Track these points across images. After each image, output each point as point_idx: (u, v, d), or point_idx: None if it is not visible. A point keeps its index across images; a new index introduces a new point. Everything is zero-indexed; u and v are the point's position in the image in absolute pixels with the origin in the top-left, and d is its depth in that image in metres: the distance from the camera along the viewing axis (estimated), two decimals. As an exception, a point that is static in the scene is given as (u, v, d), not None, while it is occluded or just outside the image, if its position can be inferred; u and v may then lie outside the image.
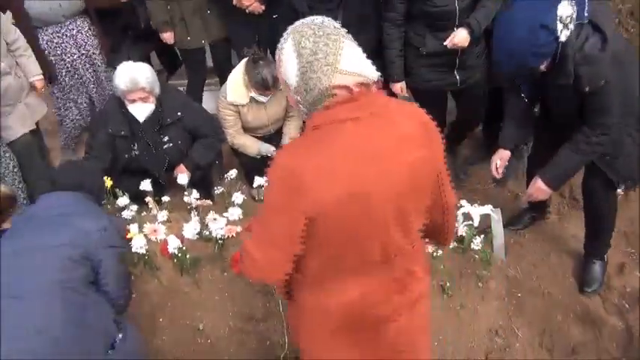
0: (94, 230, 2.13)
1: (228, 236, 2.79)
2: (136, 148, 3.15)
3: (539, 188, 2.59)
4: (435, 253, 2.58)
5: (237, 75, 3.32)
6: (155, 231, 2.86)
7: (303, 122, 1.60)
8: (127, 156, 3.16)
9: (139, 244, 2.56)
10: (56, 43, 3.62)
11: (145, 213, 2.99)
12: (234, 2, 3.42)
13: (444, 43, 2.96)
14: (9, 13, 3.33)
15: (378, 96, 1.42)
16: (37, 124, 3.65)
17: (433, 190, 1.51)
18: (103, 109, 3.24)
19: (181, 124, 3.18)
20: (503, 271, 2.82)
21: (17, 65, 3.39)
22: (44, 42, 3.60)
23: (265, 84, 3.21)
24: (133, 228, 2.66)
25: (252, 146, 3.47)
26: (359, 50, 1.42)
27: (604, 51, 2.20)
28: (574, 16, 2.17)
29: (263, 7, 3.44)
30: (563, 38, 2.18)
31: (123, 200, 2.94)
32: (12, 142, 3.36)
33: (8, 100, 3.30)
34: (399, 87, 3.22)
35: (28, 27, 3.48)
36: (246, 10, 3.44)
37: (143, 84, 3.00)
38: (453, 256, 2.71)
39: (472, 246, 2.64)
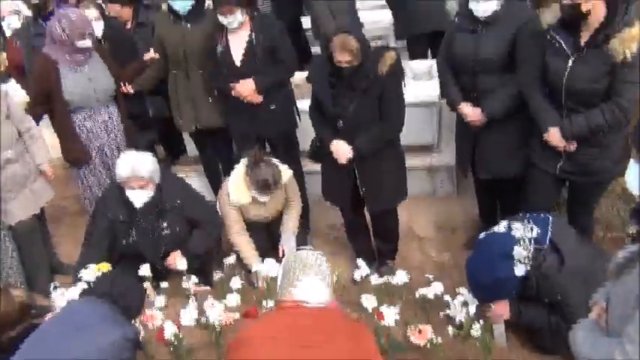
0: (99, 346, 2.12)
1: (226, 323, 2.78)
2: (133, 234, 3.18)
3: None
4: (434, 341, 2.54)
5: (239, 175, 3.37)
6: (152, 317, 2.85)
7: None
8: (124, 242, 3.18)
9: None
10: (88, 128, 3.71)
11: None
12: (233, 93, 3.52)
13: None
14: (22, 101, 3.47)
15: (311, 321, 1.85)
16: (42, 209, 3.71)
17: None
18: (103, 195, 3.30)
19: (180, 211, 3.22)
20: (505, 357, 2.75)
21: (26, 151, 3.49)
22: (76, 126, 3.69)
23: (266, 186, 3.26)
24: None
25: (250, 259, 3.40)
26: (321, 284, 1.90)
27: (560, 271, 2.47)
28: (530, 254, 2.46)
29: (261, 98, 3.53)
30: (519, 274, 2.46)
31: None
32: (14, 225, 3.39)
33: (12, 187, 3.36)
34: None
35: (65, 111, 3.63)
36: (244, 101, 3.53)
37: (143, 174, 3.07)
38: (453, 343, 2.66)
39: (472, 332, 2.60)
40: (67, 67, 3.54)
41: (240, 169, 3.39)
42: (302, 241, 3.69)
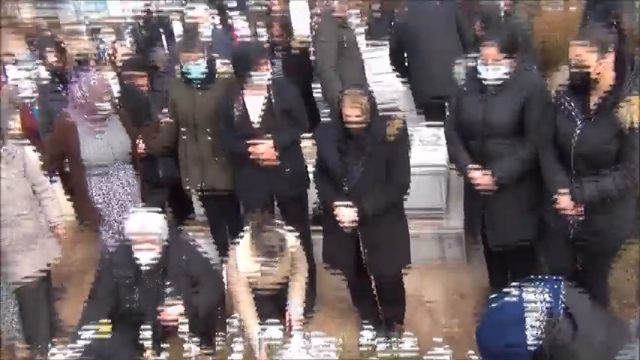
0: None
1: (229, 392, 2.69)
2: (137, 292, 3.14)
3: None
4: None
5: (245, 244, 3.26)
6: (151, 362, 2.77)
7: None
8: (127, 298, 3.14)
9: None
10: (105, 189, 3.73)
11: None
12: (251, 156, 3.51)
13: None
14: (35, 158, 3.53)
15: None
16: (48, 267, 3.70)
17: None
18: (110, 253, 3.29)
19: (185, 270, 3.19)
20: None
21: (40, 209, 3.52)
22: (94, 186, 3.71)
23: (272, 252, 3.16)
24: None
25: (251, 328, 3.21)
26: None
27: (573, 339, 2.32)
28: (543, 322, 2.30)
29: (278, 162, 3.54)
30: (532, 341, 2.30)
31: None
32: (18, 283, 3.37)
33: (22, 242, 3.38)
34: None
35: (81, 173, 3.68)
36: (257, 163, 3.54)
37: (152, 231, 3.08)
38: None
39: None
40: (86, 130, 3.62)
41: (246, 238, 3.29)
42: (309, 306, 3.61)
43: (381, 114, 3.11)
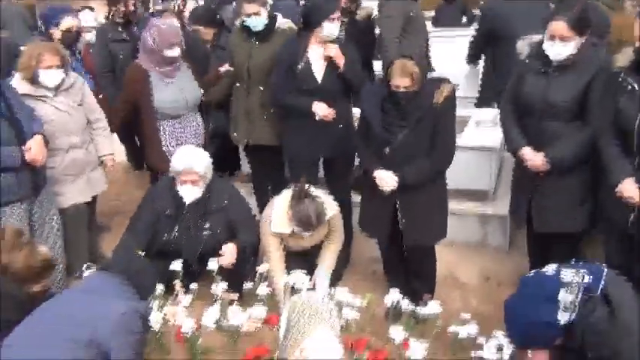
0: (111, 314, 2.11)
1: (247, 330, 2.71)
2: (176, 229, 3.20)
3: None
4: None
5: (282, 207, 3.26)
6: (175, 314, 2.82)
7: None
8: (165, 236, 3.21)
9: (154, 320, 2.51)
10: (177, 135, 3.76)
11: (170, 299, 2.96)
12: (318, 117, 3.47)
13: None
14: (88, 91, 3.63)
15: None
16: (94, 199, 3.84)
17: None
18: (154, 186, 3.38)
19: (224, 213, 3.23)
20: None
21: (91, 140, 3.65)
22: (166, 134, 3.74)
23: (308, 224, 3.15)
24: (154, 305, 2.63)
25: (278, 281, 3.19)
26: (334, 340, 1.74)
27: (611, 324, 2.14)
28: (578, 299, 2.16)
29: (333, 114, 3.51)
30: (563, 320, 2.15)
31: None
32: (65, 208, 3.50)
33: (71, 171, 3.51)
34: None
35: (153, 119, 3.69)
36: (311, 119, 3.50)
37: (198, 169, 3.13)
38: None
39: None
40: (158, 77, 3.65)
41: (285, 198, 3.28)
42: (338, 274, 3.58)
43: (430, 79, 3.03)
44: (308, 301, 1.80)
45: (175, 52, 3.64)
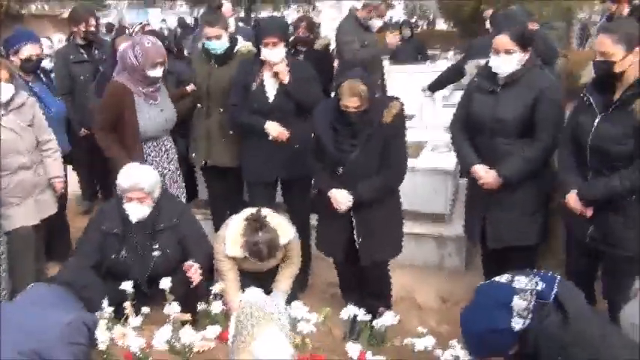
0: (55, 324, 2.02)
1: (200, 350, 2.62)
2: (124, 249, 3.10)
3: None
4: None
5: (236, 230, 3.17)
6: (124, 335, 2.70)
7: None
8: (113, 256, 3.10)
9: (99, 339, 2.40)
10: (152, 157, 3.61)
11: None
12: (271, 137, 3.49)
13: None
14: (39, 112, 3.54)
15: None
16: (43, 223, 3.70)
17: None
18: (101, 207, 3.28)
19: (175, 232, 3.15)
20: None
21: (42, 163, 3.55)
22: (149, 153, 3.60)
23: (260, 256, 3.08)
24: (100, 324, 2.52)
25: (233, 299, 3.11)
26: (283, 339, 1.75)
27: (564, 331, 2.20)
28: (531, 305, 2.21)
29: (287, 135, 3.52)
30: (517, 327, 2.19)
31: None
32: (11, 231, 3.36)
33: (18, 192, 3.39)
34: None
35: (137, 139, 3.51)
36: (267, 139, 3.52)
37: (144, 186, 3.06)
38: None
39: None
40: (142, 98, 3.48)
41: (239, 221, 3.18)
42: (292, 297, 3.51)
43: (378, 97, 3.08)
44: (257, 304, 1.77)
45: (159, 72, 3.47)
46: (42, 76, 4.11)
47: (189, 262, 3.05)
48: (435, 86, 5.36)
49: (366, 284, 3.37)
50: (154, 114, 3.54)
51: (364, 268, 3.29)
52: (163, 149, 3.68)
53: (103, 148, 3.54)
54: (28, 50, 3.90)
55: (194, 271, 3.04)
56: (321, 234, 3.36)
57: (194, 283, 3.02)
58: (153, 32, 4.89)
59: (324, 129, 3.09)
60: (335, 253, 3.31)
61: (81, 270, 2.43)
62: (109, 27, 12.38)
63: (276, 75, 3.50)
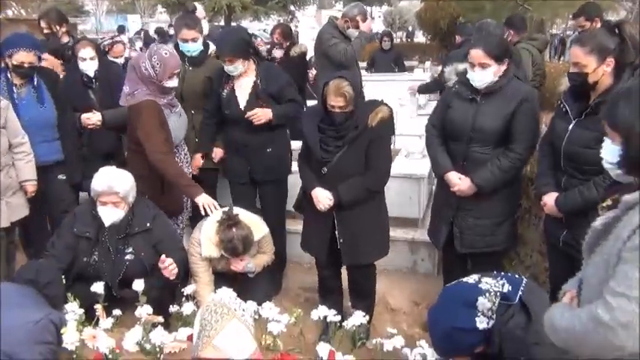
0: (23, 324, 2.00)
1: (171, 352, 2.60)
2: (96, 252, 3.09)
3: None
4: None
5: (210, 231, 3.23)
6: (94, 337, 2.68)
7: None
8: (85, 259, 3.08)
9: (69, 340, 2.37)
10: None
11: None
12: (249, 115, 3.53)
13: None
14: (13, 115, 3.52)
15: None
16: (14, 227, 3.66)
17: None
18: (74, 210, 3.25)
19: (148, 236, 3.15)
20: None
21: (13, 166, 3.52)
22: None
23: (235, 252, 3.17)
24: (70, 325, 2.49)
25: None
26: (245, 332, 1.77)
27: (527, 332, 2.26)
28: (495, 306, 2.26)
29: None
30: (481, 326, 2.24)
31: (71, 306, 2.79)
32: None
33: (-11, 193, 3.35)
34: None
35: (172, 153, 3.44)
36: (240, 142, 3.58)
37: (118, 190, 3.05)
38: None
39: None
40: (167, 110, 3.40)
41: (212, 222, 3.23)
42: (268, 293, 3.51)
43: (366, 101, 3.12)
44: (221, 300, 1.80)
45: (175, 82, 3.40)
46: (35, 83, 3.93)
47: (164, 257, 3.02)
48: (423, 90, 6.43)
49: (350, 284, 3.41)
50: (177, 121, 3.50)
51: (349, 269, 3.33)
52: (183, 153, 3.68)
53: (175, 175, 3.34)
54: (20, 57, 3.81)
55: (169, 264, 3.01)
56: (305, 233, 3.39)
57: (171, 277, 3.00)
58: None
59: (311, 129, 3.13)
60: (318, 253, 3.33)
61: (42, 267, 2.39)
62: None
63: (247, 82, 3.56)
